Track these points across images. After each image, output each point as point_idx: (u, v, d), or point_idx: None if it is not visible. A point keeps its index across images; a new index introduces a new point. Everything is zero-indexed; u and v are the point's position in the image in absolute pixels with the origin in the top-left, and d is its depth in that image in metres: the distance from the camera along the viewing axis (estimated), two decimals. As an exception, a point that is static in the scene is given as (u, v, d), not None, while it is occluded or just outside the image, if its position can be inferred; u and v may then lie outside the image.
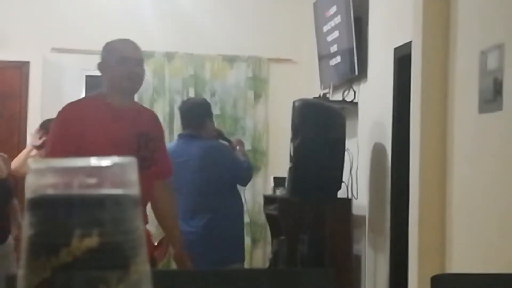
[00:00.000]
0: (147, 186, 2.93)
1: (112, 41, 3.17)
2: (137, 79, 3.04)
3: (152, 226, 6.34)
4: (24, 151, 5.84)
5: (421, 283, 3.61)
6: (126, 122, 2.98)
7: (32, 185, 0.55)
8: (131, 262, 0.55)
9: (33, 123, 6.40)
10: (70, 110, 3.04)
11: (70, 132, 2.90)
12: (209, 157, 4.36)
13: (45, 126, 5.92)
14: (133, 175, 0.58)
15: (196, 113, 4.47)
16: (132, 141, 2.95)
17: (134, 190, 0.57)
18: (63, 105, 7.19)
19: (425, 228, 3.71)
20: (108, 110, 2.98)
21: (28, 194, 0.55)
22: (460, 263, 3.54)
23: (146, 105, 6.61)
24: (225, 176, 4.38)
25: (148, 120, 3.17)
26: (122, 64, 2.99)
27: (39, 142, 5.84)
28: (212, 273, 1.77)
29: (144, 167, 2.81)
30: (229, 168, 4.41)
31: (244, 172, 4.55)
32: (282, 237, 5.40)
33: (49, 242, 0.53)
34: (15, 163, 5.79)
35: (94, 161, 0.56)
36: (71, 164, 0.56)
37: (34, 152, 5.83)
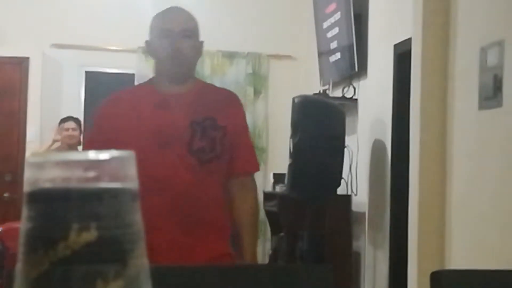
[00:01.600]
0: (210, 183, 2.47)
1: (159, 12, 2.65)
2: (182, 57, 2.45)
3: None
4: (45, 146, 5.89)
5: (420, 279, 3.61)
6: (174, 109, 2.49)
7: (30, 179, 0.55)
8: (129, 256, 0.55)
9: (33, 118, 6.41)
10: (110, 100, 2.61)
11: (107, 124, 2.50)
12: None
13: (59, 124, 5.96)
14: (132, 169, 0.58)
15: None
16: (181, 130, 2.45)
17: (132, 183, 0.58)
18: (62, 101, 7.21)
19: (424, 224, 3.71)
20: (152, 97, 2.51)
21: (26, 187, 0.55)
22: (459, 259, 3.55)
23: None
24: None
25: (216, 103, 2.56)
26: (162, 39, 2.46)
27: (59, 137, 5.89)
28: (212, 268, 1.77)
29: (203, 160, 2.44)
30: None
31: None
32: (282, 234, 5.41)
33: (47, 235, 0.53)
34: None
35: (92, 154, 0.56)
36: (69, 158, 0.55)
37: (56, 145, 5.87)
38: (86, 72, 6.80)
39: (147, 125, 2.45)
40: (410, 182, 3.83)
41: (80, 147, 6.00)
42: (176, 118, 2.46)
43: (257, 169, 2.64)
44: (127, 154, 0.58)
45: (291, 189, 4.88)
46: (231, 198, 2.56)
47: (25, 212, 0.55)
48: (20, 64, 6.54)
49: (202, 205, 2.44)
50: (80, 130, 5.98)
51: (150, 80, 2.61)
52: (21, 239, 0.55)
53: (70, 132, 5.87)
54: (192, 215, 2.42)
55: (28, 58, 6.53)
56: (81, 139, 5.92)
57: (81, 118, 6.63)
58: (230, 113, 2.55)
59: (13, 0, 6.55)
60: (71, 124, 5.90)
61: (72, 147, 5.88)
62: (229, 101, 2.59)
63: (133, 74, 6.68)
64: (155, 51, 2.50)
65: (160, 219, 2.37)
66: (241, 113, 2.63)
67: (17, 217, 5.69)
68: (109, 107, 2.57)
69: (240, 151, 2.54)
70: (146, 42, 2.57)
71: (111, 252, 0.54)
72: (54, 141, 5.93)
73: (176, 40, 2.44)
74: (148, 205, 2.24)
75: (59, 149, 5.88)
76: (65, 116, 6.11)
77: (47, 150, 5.83)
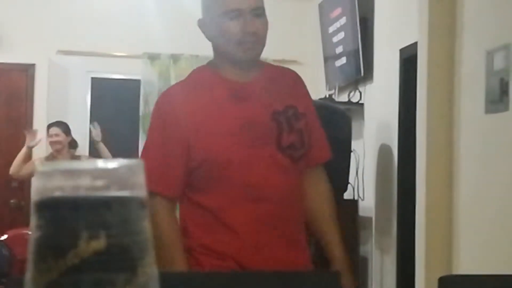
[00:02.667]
0: (298, 181, 2.15)
1: None
2: (256, 40, 2.07)
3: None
4: (20, 153, 5.86)
5: (428, 285, 3.60)
6: (252, 99, 2.10)
7: (39, 188, 0.55)
8: (138, 264, 0.55)
9: (39, 125, 6.42)
10: (175, 93, 2.16)
11: (177, 122, 2.06)
12: None
13: (47, 129, 5.93)
14: (140, 177, 0.58)
15: None
16: (266, 124, 2.07)
17: (141, 191, 0.58)
18: (69, 107, 7.20)
19: (432, 229, 3.70)
20: (224, 87, 2.10)
21: (35, 196, 0.55)
22: (467, 264, 3.53)
23: (151, 107, 6.63)
24: None
25: (289, 88, 2.19)
26: (231, 20, 2.05)
27: (35, 142, 5.86)
28: (218, 275, 1.77)
29: (295, 159, 2.10)
30: None
31: None
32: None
33: (56, 244, 0.53)
34: (13, 167, 5.81)
35: (100, 163, 0.56)
36: (78, 167, 0.55)
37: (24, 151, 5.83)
38: (92, 78, 6.81)
39: (229, 120, 2.05)
40: (417, 186, 3.82)
41: (73, 151, 5.96)
42: (257, 109, 2.08)
43: (330, 155, 2.31)
44: (135, 162, 0.58)
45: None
46: (307, 192, 2.21)
47: (34, 221, 0.55)
48: (26, 71, 6.56)
49: (298, 212, 2.13)
50: (67, 134, 5.90)
51: (211, 66, 2.19)
52: (30, 248, 0.55)
53: (54, 138, 5.82)
54: (290, 223, 2.09)
55: (34, 64, 6.55)
56: (67, 143, 5.86)
57: (87, 124, 6.65)
58: (301, 96, 2.22)
59: (19, 7, 6.57)
60: (54, 130, 5.84)
61: (60, 152, 5.83)
62: (296, 82, 2.25)
63: (139, 80, 6.69)
64: (220, 33, 2.08)
65: (263, 234, 2.04)
66: (308, 93, 2.29)
67: (24, 224, 5.71)
68: (177, 101, 2.11)
69: (315, 137, 2.21)
70: (200, 20, 2.18)
71: (120, 260, 0.54)
72: (29, 147, 5.88)
73: (248, 20, 2.04)
74: (245, 217, 2.05)
75: (49, 158, 5.86)
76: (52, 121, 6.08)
77: (22, 160, 5.81)
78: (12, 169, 5.84)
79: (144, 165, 1.99)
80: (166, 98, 2.15)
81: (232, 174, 2.04)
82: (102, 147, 6.07)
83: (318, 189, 2.26)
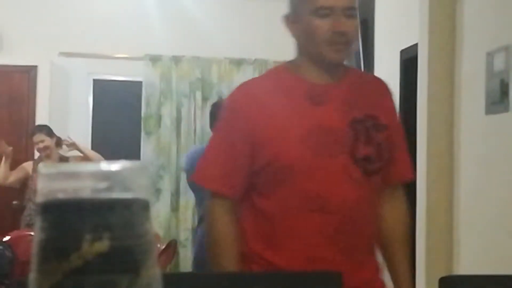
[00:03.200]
0: (373, 201, 2.00)
1: None
2: (345, 41, 1.93)
3: (160, 229, 6.38)
4: (3, 163, 5.84)
5: (428, 285, 3.60)
6: (330, 104, 1.96)
7: (43, 190, 0.55)
8: (141, 266, 0.55)
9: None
10: (244, 93, 2.03)
11: (246, 122, 1.94)
12: None
13: (30, 134, 5.90)
14: (143, 179, 0.58)
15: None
16: (342, 132, 1.94)
17: (144, 194, 0.58)
18: (71, 109, 7.19)
19: (432, 230, 3.70)
20: (301, 88, 1.98)
21: (39, 198, 0.56)
22: (468, 265, 3.53)
23: (153, 108, 6.65)
24: None
25: (372, 96, 2.05)
26: (321, 19, 1.93)
27: (9, 150, 5.82)
28: (220, 275, 1.77)
29: (368, 172, 1.95)
30: None
31: None
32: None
33: (60, 246, 0.54)
34: (0, 177, 5.81)
35: (104, 165, 0.56)
36: (81, 169, 0.56)
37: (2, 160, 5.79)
38: (94, 80, 6.82)
39: (301, 123, 1.93)
40: (417, 187, 3.82)
41: (59, 151, 5.92)
42: (334, 115, 1.95)
43: (413, 176, 2.16)
44: (138, 164, 0.58)
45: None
46: (382, 212, 2.05)
47: (38, 223, 0.56)
48: (28, 73, 6.56)
49: (366, 228, 1.98)
50: (51, 137, 5.82)
51: (290, 65, 2.06)
52: (34, 250, 0.55)
53: (40, 145, 5.75)
54: (355, 240, 1.96)
55: (36, 66, 6.55)
56: (54, 146, 5.80)
57: (89, 126, 6.65)
58: (386, 108, 2.06)
59: (21, 9, 6.58)
60: (39, 137, 5.72)
61: (48, 156, 5.78)
62: (383, 92, 2.09)
63: (141, 82, 6.70)
64: (307, 31, 1.95)
65: (322, 247, 1.92)
66: (395, 106, 2.13)
67: (26, 225, 5.71)
68: (250, 98, 1.99)
69: (398, 154, 2.06)
70: (286, 17, 2.08)
71: (123, 262, 0.54)
72: (5, 154, 5.85)
73: (339, 20, 1.92)
74: (303, 227, 1.91)
75: (38, 161, 5.83)
76: (74, 124, 6.10)
77: (6, 168, 5.80)
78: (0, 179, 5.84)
79: (209, 160, 1.94)
80: (240, 93, 2.03)
81: (296, 181, 1.91)
82: (86, 151, 5.99)
83: (394, 210, 2.08)
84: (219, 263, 1.93)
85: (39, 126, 5.89)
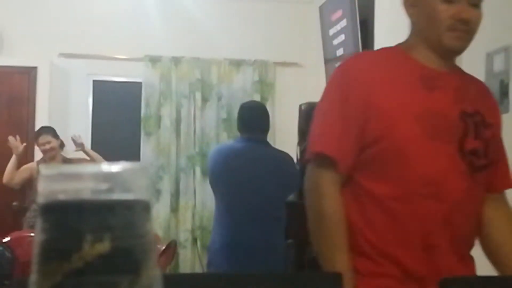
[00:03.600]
0: (478, 199, 1.94)
1: None
2: (469, 31, 1.89)
3: (159, 229, 6.38)
4: (10, 162, 5.84)
5: None
6: (443, 92, 1.89)
7: (44, 191, 0.55)
8: (142, 266, 0.55)
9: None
10: (359, 60, 1.99)
11: (356, 91, 1.86)
12: (282, 166, 4.25)
13: (34, 137, 5.91)
14: (144, 180, 0.59)
15: (264, 118, 4.31)
16: (452, 122, 1.87)
17: (145, 195, 0.58)
18: (70, 110, 7.21)
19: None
20: (415, 70, 1.91)
21: (40, 199, 0.56)
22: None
23: (153, 109, 6.65)
24: (290, 187, 4.28)
25: (481, 94, 2.01)
26: (445, 5, 1.86)
27: (21, 147, 5.84)
28: (222, 276, 1.77)
29: (474, 166, 1.88)
30: (295, 178, 4.29)
31: (299, 183, 4.46)
32: (290, 241, 5.39)
33: (61, 247, 0.53)
34: (6, 176, 5.81)
35: (104, 167, 0.56)
36: (82, 170, 0.56)
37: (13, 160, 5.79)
38: (94, 81, 6.82)
39: (415, 102, 1.86)
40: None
41: (62, 152, 5.93)
42: (446, 102, 1.88)
43: None
44: (139, 165, 0.58)
45: (299, 196, 4.87)
46: (491, 220, 1.98)
47: (39, 224, 0.55)
48: (28, 74, 6.56)
49: (470, 223, 1.91)
50: (56, 138, 5.86)
51: (403, 47, 2.00)
52: (35, 251, 0.55)
53: (47, 146, 5.78)
54: (460, 232, 1.89)
55: (36, 67, 6.55)
56: (58, 147, 5.83)
57: (89, 127, 6.65)
58: (491, 107, 2.01)
59: (21, 10, 6.58)
60: (45, 138, 5.77)
61: (53, 158, 5.80)
62: (486, 92, 2.06)
63: (140, 83, 6.70)
64: (429, 15, 1.91)
65: (433, 236, 1.84)
66: (498, 109, 2.08)
67: (30, 226, 5.70)
68: (364, 68, 1.92)
69: (501, 157, 2.00)
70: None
71: (124, 263, 0.54)
72: (17, 155, 5.84)
73: (464, 7, 1.86)
74: (417, 214, 1.80)
75: (41, 162, 5.84)
76: (39, 127, 6.05)
77: (14, 168, 5.80)
78: (5, 178, 5.84)
79: (320, 127, 1.84)
80: (355, 60, 1.99)
81: (409, 163, 1.81)
82: (91, 153, 6.02)
83: (504, 218, 1.99)
84: (330, 244, 1.82)
85: (45, 127, 5.90)
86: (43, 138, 5.76)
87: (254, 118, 4.29)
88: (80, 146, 5.93)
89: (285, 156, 4.37)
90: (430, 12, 1.90)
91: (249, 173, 4.14)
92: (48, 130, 5.83)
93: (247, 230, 4.11)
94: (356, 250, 1.85)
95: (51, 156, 5.74)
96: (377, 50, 2.11)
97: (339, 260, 1.82)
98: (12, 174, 5.83)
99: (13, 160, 5.85)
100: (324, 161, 1.86)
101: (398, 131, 1.82)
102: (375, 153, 1.84)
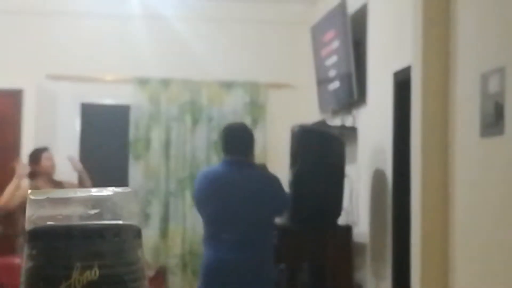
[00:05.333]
0: None
1: None
2: None
3: (148, 255, 6.30)
4: (11, 185, 5.79)
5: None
6: None
7: (32, 217, 0.54)
8: (133, 293, 0.53)
9: (27, 151, 6.35)
10: None
11: None
12: (264, 187, 4.24)
13: (34, 156, 5.88)
14: (133, 205, 0.58)
15: (245, 139, 4.31)
16: None
17: (135, 220, 0.57)
18: (58, 133, 7.17)
19: (427, 255, 3.66)
20: None
21: (28, 225, 0.54)
22: (464, 289, 3.50)
23: (142, 132, 6.60)
24: (273, 208, 4.27)
25: None
26: None
27: (27, 171, 5.80)
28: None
29: None
30: (279, 199, 4.30)
31: (288, 204, 4.45)
32: (282, 265, 5.33)
33: (49, 275, 0.52)
34: (5, 199, 5.75)
35: (93, 191, 0.55)
36: (70, 195, 0.55)
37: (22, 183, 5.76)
38: (82, 104, 6.77)
39: None
40: (412, 211, 3.79)
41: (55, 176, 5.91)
42: None
43: None
44: (128, 190, 0.56)
45: (291, 220, 4.82)
46: None
47: (26, 250, 0.54)
48: (14, 96, 6.51)
49: None
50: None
51: None
52: (22, 278, 0.54)
53: (51, 162, 5.81)
54: None
55: (22, 90, 6.50)
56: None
57: (77, 150, 6.58)
58: None
59: (7, 31, 6.54)
60: (48, 155, 5.85)
61: (50, 176, 5.81)
62: None
63: (129, 106, 6.66)
64: None
65: None
66: None
67: (12, 252, 5.61)
68: None
69: None
70: None
71: (114, 291, 0.52)
72: (19, 178, 5.81)
73: None
74: None
75: (36, 185, 5.80)
76: (40, 147, 6.04)
77: (14, 191, 5.75)
78: (4, 201, 5.76)
79: None
80: None
81: None
82: (84, 176, 6.02)
83: None
84: None
85: (45, 147, 5.94)
86: (47, 154, 5.80)
87: (235, 140, 4.29)
88: (77, 166, 5.93)
89: (267, 177, 4.36)
90: None
91: (230, 196, 4.14)
92: (49, 149, 5.89)
93: (232, 253, 4.11)
94: None
95: (50, 174, 5.75)
96: None
97: None
98: (11, 196, 5.76)
99: (13, 183, 5.78)
100: None
101: None
102: None
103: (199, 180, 4.38)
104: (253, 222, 4.18)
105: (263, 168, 4.71)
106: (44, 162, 5.81)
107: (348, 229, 5.24)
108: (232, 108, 6.67)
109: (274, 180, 4.34)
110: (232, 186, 4.17)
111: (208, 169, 4.87)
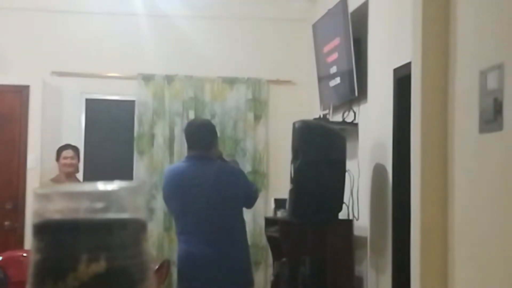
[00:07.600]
0: None
1: None
2: None
3: (152, 247, 6.34)
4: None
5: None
6: None
7: (39, 210, 0.55)
8: (138, 286, 0.54)
9: (33, 147, 6.41)
10: None
11: None
12: (224, 179, 4.34)
13: (56, 153, 5.92)
14: (139, 199, 0.58)
15: (205, 134, 4.41)
16: None
17: (140, 213, 0.57)
18: (63, 128, 7.24)
19: (427, 248, 3.68)
20: None
21: (35, 219, 0.55)
22: (462, 283, 3.52)
23: (146, 128, 6.63)
24: (237, 199, 4.37)
25: None
26: None
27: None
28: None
29: None
30: (241, 190, 4.39)
31: (254, 194, 4.54)
32: (284, 259, 5.38)
33: (56, 267, 0.53)
34: None
35: (100, 185, 0.55)
36: (77, 189, 0.55)
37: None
38: (87, 100, 6.81)
39: None
40: (411, 205, 3.81)
41: (78, 175, 5.97)
42: None
43: None
44: (134, 184, 0.58)
45: (293, 214, 4.86)
46: None
47: (33, 243, 0.55)
48: (21, 92, 6.55)
49: None
50: (78, 158, 5.94)
51: None
52: (30, 271, 0.54)
53: (69, 161, 5.83)
54: None
55: (28, 86, 6.54)
56: (78, 167, 5.90)
57: (82, 146, 6.62)
58: None
59: (13, 28, 6.58)
60: (69, 153, 5.87)
61: (69, 175, 5.83)
62: None
63: (133, 101, 6.69)
64: None
65: None
66: None
67: (18, 246, 5.67)
68: None
69: None
70: None
71: (120, 283, 0.53)
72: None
73: None
74: None
75: (56, 179, 5.85)
76: (63, 143, 6.10)
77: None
78: None
79: None
80: None
81: None
82: None
83: None
84: None
85: (71, 144, 6.00)
86: (67, 152, 5.84)
87: (196, 136, 4.39)
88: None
89: (229, 169, 4.46)
90: None
91: (192, 190, 4.23)
92: (73, 147, 5.95)
93: (202, 245, 4.21)
94: None
95: (69, 172, 5.77)
96: None
97: None
98: None
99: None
100: None
101: None
102: None
103: (164, 176, 4.50)
104: (218, 214, 4.25)
105: (234, 163, 4.80)
106: (62, 160, 5.84)
107: (349, 223, 5.26)
108: (234, 104, 6.70)
109: (236, 172, 4.44)
110: (194, 180, 4.25)
111: (173, 165, 4.97)
